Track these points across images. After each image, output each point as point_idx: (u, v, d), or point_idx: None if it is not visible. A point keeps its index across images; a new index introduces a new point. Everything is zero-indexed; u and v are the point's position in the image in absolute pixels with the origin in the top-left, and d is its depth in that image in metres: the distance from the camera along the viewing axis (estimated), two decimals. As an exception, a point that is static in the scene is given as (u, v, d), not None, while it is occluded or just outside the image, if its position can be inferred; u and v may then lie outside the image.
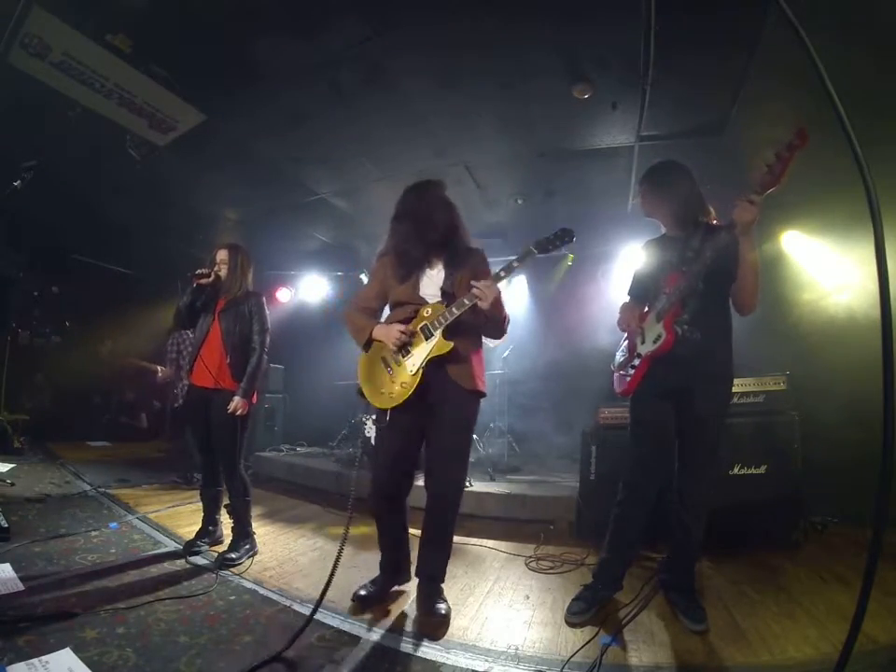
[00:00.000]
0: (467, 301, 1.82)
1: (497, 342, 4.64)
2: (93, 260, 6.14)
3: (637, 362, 1.95)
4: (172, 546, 2.49)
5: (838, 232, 3.49)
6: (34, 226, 5.07)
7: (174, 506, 3.29)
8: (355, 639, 1.67)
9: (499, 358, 4.71)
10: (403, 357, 1.89)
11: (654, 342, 1.87)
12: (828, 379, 3.14)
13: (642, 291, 2.05)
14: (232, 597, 1.94)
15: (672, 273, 1.87)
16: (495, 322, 1.94)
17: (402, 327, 1.89)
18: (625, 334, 2.10)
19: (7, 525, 2.35)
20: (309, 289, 6.37)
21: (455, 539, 2.78)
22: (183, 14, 2.49)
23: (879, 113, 2.41)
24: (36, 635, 1.51)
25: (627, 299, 2.12)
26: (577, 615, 1.84)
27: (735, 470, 2.59)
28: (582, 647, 1.62)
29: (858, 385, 2.61)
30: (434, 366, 1.85)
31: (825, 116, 1.00)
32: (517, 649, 1.65)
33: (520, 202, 4.51)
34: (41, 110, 3.19)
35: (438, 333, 1.85)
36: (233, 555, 2.31)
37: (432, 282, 1.98)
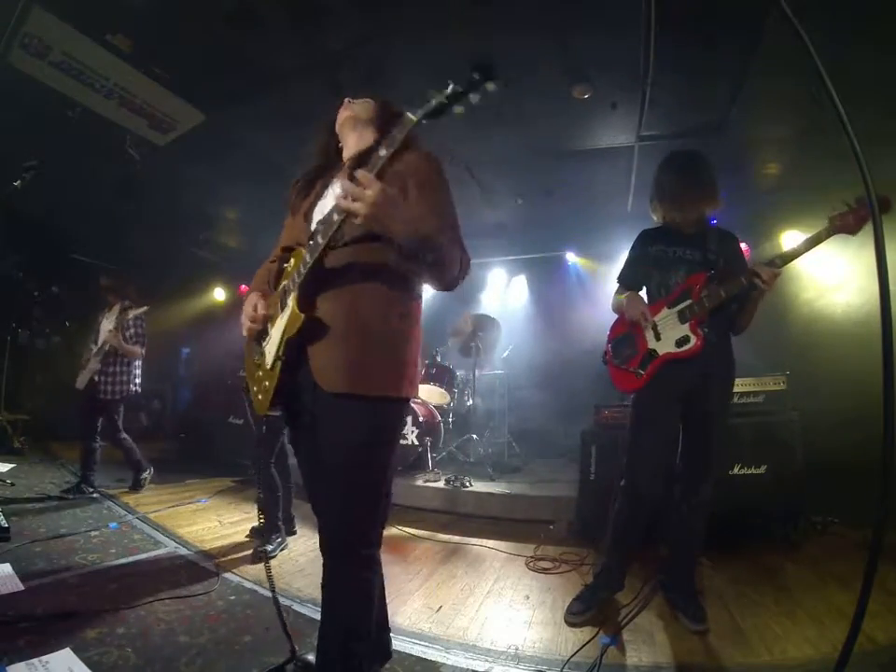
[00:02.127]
0: (335, 216, 1.06)
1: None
2: (93, 260, 6.13)
3: (650, 360, 1.85)
4: (172, 546, 2.49)
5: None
6: (34, 226, 5.07)
7: (173, 506, 3.29)
8: (355, 639, 1.66)
9: (499, 358, 4.69)
10: (263, 343, 1.28)
11: (679, 345, 1.81)
12: (828, 379, 3.14)
13: (638, 279, 2.00)
14: (232, 597, 1.94)
15: (696, 274, 1.84)
16: (416, 250, 1.05)
17: (256, 301, 1.27)
18: (613, 324, 2.04)
19: (7, 525, 2.35)
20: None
21: (455, 538, 2.82)
22: (183, 14, 2.50)
23: (880, 111, 2.41)
24: (36, 635, 1.51)
25: (618, 285, 2.07)
26: (577, 615, 1.84)
27: (735, 470, 2.58)
28: (582, 647, 1.62)
29: (858, 384, 2.61)
30: (299, 350, 1.18)
31: (825, 115, 1.00)
32: (517, 649, 1.65)
33: (520, 201, 4.51)
34: (41, 110, 3.19)
35: (290, 299, 1.17)
36: (269, 547, 2.49)
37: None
